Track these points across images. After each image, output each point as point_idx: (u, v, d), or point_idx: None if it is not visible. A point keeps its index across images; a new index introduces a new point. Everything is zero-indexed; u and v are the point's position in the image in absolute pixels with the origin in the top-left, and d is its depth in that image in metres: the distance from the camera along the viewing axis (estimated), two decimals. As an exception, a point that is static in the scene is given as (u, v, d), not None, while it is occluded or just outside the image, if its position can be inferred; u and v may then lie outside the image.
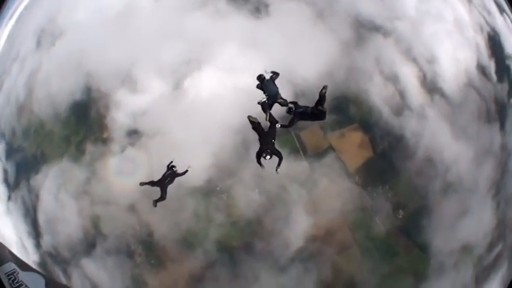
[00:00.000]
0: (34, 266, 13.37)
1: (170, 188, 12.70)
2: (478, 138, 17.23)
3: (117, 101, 16.32)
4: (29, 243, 15.11)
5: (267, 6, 17.33)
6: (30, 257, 14.37)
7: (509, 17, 18.97)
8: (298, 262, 16.30)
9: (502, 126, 17.48)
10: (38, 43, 17.81)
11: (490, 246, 16.84)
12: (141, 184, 11.21)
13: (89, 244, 15.40)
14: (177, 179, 12.30)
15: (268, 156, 9.70)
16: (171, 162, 11.49)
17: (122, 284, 15.27)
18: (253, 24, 16.67)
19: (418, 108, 17.05)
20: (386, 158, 17.09)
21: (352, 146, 17.03)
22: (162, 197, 11.41)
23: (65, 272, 15.23)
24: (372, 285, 16.43)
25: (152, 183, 11.20)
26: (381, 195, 16.54)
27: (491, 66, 18.07)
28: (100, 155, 15.87)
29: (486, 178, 17.18)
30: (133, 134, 16.00)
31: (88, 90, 16.39)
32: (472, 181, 17.09)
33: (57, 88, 17.14)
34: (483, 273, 16.79)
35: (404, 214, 16.64)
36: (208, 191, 16.27)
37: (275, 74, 9.76)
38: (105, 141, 16.01)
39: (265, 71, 9.92)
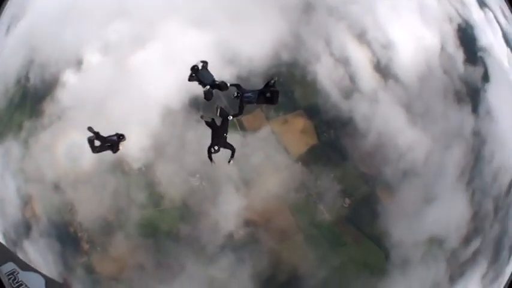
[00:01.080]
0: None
1: (93, 164, 12.06)
2: (445, 120, 16.27)
3: (59, 78, 16.01)
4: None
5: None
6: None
7: (492, 12, 18.27)
8: (229, 250, 15.19)
9: (475, 110, 16.47)
10: (7, 28, 17.95)
11: (466, 240, 15.53)
12: (89, 128, 10.24)
13: (27, 226, 14.77)
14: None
15: (216, 150, 9.22)
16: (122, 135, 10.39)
17: (55, 268, 14.45)
18: (198, 1, 16.34)
19: (370, 92, 16.25)
20: (332, 145, 16.19)
21: (296, 132, 16.15)
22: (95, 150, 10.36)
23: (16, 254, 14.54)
24: (319, 278, 15.07)
25: (97, 136, 10.33)
26: (325, 182, 15.48)
27: (458, 56, 17.17)
28: (34, 130, 15.42)
29: (455, 163, 16.06)
30: (69, 111, 15.57)
31: (31, 65, 16.15)
32: (436, 166, 15.88)
33: (9, 66, 17.05)
34: (460, 269, 15.33)
35: (351, 202, 15.48)
36: (130, 169, 15.54)
37: (205, 62, 9.46)
38: (39, 117, 15.58)
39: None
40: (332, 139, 16.04)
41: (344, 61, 16.40)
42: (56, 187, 14.71)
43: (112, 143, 10.25)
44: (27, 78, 16.37)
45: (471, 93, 16.61)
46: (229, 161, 9.51)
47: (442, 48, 17.23)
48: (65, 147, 14.58)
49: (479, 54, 17.51)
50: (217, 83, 9.31)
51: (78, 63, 15.79)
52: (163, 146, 15.02)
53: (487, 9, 18.30)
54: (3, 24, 16.62)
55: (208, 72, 9.50)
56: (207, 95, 9.48)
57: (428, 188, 15.28)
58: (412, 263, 15.17)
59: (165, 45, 16.00)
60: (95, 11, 16.11)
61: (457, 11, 18.09)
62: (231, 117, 9.34)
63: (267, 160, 15.01)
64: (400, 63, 16.66)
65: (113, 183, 14.90)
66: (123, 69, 15.81)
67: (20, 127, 16.03)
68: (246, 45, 15.67)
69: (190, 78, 9.47)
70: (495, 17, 18.13)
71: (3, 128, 16.41)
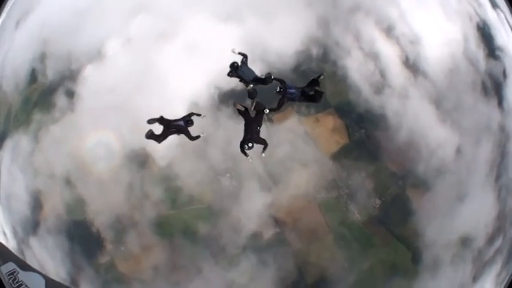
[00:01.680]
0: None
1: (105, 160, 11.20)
2: (474, 113, 16.03)
3: (75, 71, 15.15)
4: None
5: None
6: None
7: (503, 13, 18.32)
8: (251, 252, 14.40)
9: (500, 104, 16.27)
10: (17, 24, 16.94)
11: (491, 239, 15.22)
12: (149, 121, 9.04)
13: (35, 222, 13.81)
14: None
15: (250, 144, 8.65)
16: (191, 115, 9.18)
17: (63, 266, 13.53)
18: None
19: (400, 88, 16.04)
20: (363, 144, 15.90)
21: (327, 131, 15.74)
22: (158, 138, 9.10)
23: (22, 252, 13.63)
24: (349, 282, 14.66)
25: (161, 120, 9.05)
26: (356, 182, 15.11)
27: (480, 51, 17.13)
28: (45, 123, 14.53)
29: (485, 159, 15.78)
30: (86, 104, 14.73)
31: (44, 58, 15.24)
32: (468, 161, 15.70)
33: (20, 59, 16.08)
34: (482, 269, 15.06)
35: (381, 203, 15.15)
36: (143, 161, 14.77)
37: (245, 57, 8.91)
38: (50, 110, 14.69)
39: (233, 51, 9.00)
40: (363, 138, 15.71)
41: (374, 56, 16.12)
42: (67, 182, 13.75)
43: (178, 128, 9.05)
44: (39, 71, 15.41)
45: (495, 87, 16.53)
46: (262, 154, 8.97)
47: (466, 43, 17.09)
48: (80, 141, 13.66)
49: (497, 52, 17.43)
50: (262, 77, 8.82)
51: (99, 57, 14.90)
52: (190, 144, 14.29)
53: (499, 10, 18.35)
54: (11, 19, 15.62)
55: (249, 68, 8.98)
56: (252, 94, 8.94)
57: (461, 184, 15.09)
58: (443, 264, 14.94)
59: (191, 40, 15.37)
60: (117, 5, 15.24)
61: (475, 10, 18.07)
62: (267, 111, 8.76)
63: (297, 158, 14.40)
64: (428, 58, 16.49)
65: (128, 178, 14.04)
66: (147, 65, 15.11)
67: (29, 120, 15.03)
68: (274, 41, 15.25)
69: (231, 75, 8.96)
70: (506, 18, 18.19)
71: (13, 122, 15.43)
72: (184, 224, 13.96)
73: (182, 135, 9.19)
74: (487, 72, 16.62)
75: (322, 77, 8.64)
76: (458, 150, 15.31)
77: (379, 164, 15.31)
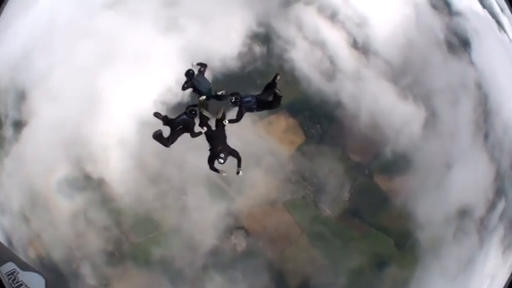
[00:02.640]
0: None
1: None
2: (446, 72, 15.33)
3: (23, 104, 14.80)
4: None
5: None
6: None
7: None
8: (214, 271, 13.45)
9: (471, 61, 15.55)
10: None
11: (492, 205, 14.12)
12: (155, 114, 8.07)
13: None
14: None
15: (221, 160, 7.76)
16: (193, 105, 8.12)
17: None
18: (160, 10, 15.50)
19: (353, 70, 15.49)
20: (322, 138, 15.20)
21: (281, 133, 15.09)
22: (167, 142, 8.05)
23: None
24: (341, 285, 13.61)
25: (165, 120, 7.99)
26: (320, 178, 14.31)
27: (435, 18, 16.56)
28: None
29: (467, 118, 15.01)
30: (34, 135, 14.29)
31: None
32: (449, 124, 14.94)
33: None
34: (488, 236, 13.96)
35: (350, 195, 14.31)
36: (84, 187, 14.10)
37: (203, 66, 8.33)
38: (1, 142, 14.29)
39: (192, 64, 8.35)
40: (320, 132, 14.94)
41: (320, 44, 15.66)
42: (24, 217, 13.14)
43: (184, 123, 8.05)
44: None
45: (463, 44, 15.88)
46: (237, 172, 8.03)
47: (417, 12, 16.69)
48: (29, 173, 13.13)
49: (459, 9, 16.73)
50: (218, 94, 8.20)
51: (45, 88, 14.54)
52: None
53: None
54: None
55: (205, 79, 8.29)
56: (203, 105, 8.15)
57: (445, 152, 14.34)
58: (444, 242, 13.89)
59: (133, 58, 14.97)
60: (62, 35, 15.02)
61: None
62: (227, 122, 7.95)
63: (254, 163, 13.63)
64: (377, 37, 15.99)
65: (72, 207, 13.37)
66: (92, 89, 14.62)
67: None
68: (216, 46, 14.78)
69: (185, 86, 8.16)
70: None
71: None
72: (134, 250, 13.09)
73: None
74: (450, 31, 15.95)
75: (278, 78, 7.95)
76: (431, 118, 14.30)
77: (341, 156, 14.66)
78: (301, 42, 15.42)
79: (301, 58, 15.23)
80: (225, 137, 8.04)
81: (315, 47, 15.55)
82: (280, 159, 14.69)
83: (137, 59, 15.44)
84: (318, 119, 15.19)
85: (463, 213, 14.10)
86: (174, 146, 8.14)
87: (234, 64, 14.93)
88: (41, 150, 13.67)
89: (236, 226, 13.77)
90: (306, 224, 14.21)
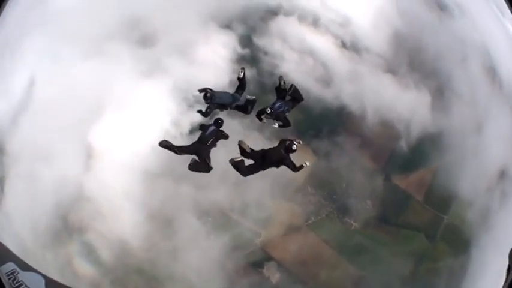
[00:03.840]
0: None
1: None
2: (445, 31, 14.88)
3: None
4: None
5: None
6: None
7: None
8: None
9: (465, 18, 15.13)
10: None
11: None
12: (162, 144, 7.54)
13: None
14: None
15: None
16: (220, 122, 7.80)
17: None
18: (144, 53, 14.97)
19: (348, 70, 14.90)
20: (331, 154, 14.63)
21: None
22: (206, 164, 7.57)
23: None
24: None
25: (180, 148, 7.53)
26: (340, 195, 13.66)
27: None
28: None
29: (479, 73, 14.47)
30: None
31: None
32: (464, 84, 14.40)
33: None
34: None
35: (372, 203, 13.65)
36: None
37: (206, 91, 8.04)
38: None
39: (194, 94, 8.29)
40: (328, 148, 14.31)
41: (309, 51, 15.16)
42: None
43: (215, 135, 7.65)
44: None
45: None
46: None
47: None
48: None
49: None
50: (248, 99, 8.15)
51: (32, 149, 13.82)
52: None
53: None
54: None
55: (222, 92, 8.16)
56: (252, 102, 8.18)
57: (471, 115, 13.86)
58: (492, 211, 13.14)
59: (122, 107, 14.42)
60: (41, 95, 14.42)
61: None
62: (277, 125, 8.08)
63: (272, 195, 13.26)
64: (364, 33, 15.52)
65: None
66: (85, 145, 14.14)
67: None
68: (204, 78, 14.26)
69: (208, 110, 7.84)
70: None
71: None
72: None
73: None
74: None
75: (283, 82, 8.10)
76: (439, 94, 13.92)
77: (355, 166, 14.19)
78: (290, 54, 14.98)
79: (293, 69, 14.72)
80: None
81: (305, 55, 15.06)
82: (296, 184, 14.02)
83: (126, 106, 14.84)
84: (324, 133, 14.58)
85: (503, 175, 13.38)
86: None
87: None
88: (44, 217, 12.74)
89: (265, 258, 13.24)
90: (336, 242, 13.70)
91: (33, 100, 14.68)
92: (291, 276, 13.28)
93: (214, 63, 15.09)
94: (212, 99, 7.77)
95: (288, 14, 16.05)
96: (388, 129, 14.34)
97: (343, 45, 15.62)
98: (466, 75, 14.27)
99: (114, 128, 14.72)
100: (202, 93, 7.76)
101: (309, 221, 13.82)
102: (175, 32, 15.00)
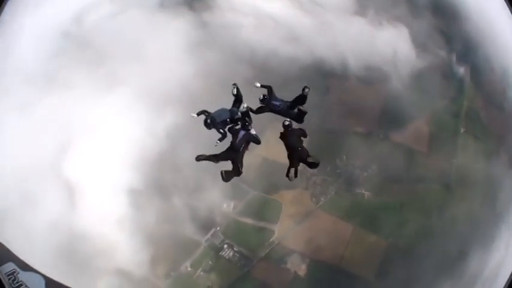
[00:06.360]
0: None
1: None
2: None
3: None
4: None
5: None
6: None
7: None
8: None
9: None
10: None
11: None
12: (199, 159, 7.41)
13: None
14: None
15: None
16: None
17: None
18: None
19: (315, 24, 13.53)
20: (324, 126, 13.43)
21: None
22: (237, 170, 7.47)
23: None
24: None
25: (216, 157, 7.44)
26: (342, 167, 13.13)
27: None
28: None
29: None
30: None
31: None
32: None
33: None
34: None
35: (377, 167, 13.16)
36: None
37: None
38: None
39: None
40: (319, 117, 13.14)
41: (267, 15, 13.73)
42: None
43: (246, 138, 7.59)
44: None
45: None
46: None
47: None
48: None
49: None
50: (245, 110, 7.79)
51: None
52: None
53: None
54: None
55: (220, 109, 7.81)
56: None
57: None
58: None
59: (91, 132, 13.16)
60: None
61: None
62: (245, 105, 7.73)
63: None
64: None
65: None
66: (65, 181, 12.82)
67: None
68: (162, 74, 12.77)
69: (223, 137, 7.68)
70: None
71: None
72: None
73: None
74: None
75: (307, 90, 7.63)
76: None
77: (350, 134, 13.65)
78: (246, 20, 13.50)
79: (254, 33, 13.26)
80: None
81: (263, 19, 13.64)
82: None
83: (92, 129, 13.27)
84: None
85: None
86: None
87: (194, 85, 13.25)
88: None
89: (286, 253, 12.65)
90: (353, 216, 12.89)
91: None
92: (316, 264, 12.54)
93: (169, 62, 13.63)
94: (214, 123, 7.66)
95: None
96: (374, 72, 12.96)
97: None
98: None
99: (88, 155, 13.21)
100: (205, 120, 7.61)
101: (320, 203, 13.08)
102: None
